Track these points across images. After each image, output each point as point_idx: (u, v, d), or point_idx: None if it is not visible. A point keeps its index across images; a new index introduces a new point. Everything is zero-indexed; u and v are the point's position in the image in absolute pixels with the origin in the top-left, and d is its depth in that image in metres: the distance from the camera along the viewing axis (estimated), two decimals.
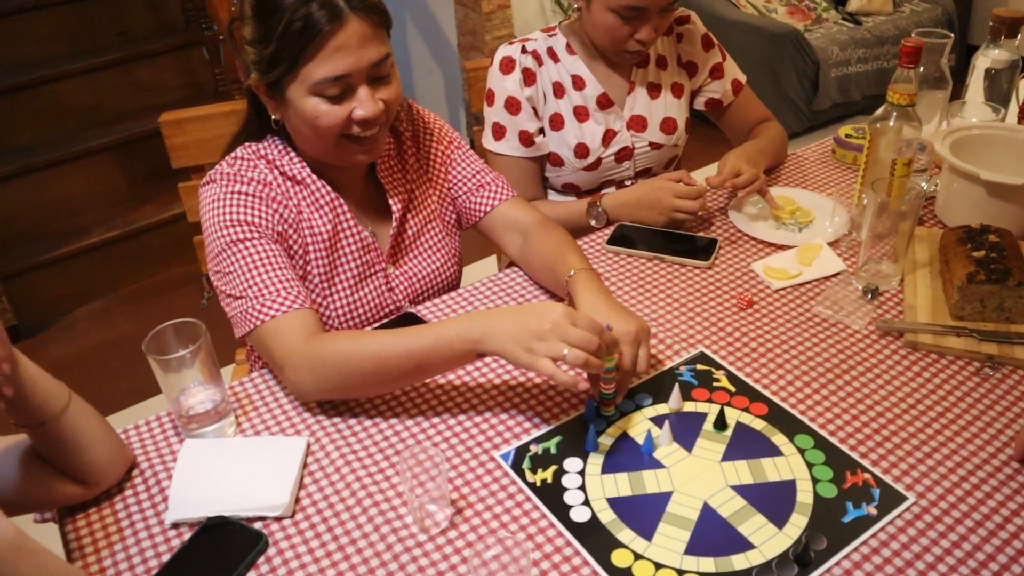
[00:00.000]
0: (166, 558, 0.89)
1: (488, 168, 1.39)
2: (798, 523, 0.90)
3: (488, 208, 1.35)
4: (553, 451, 1.01)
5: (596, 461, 0.99)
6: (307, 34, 1.04)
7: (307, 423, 1.08)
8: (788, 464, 0.98)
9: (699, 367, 1.14)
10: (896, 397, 1.07)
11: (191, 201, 1.58)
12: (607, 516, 0.92)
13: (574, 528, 0.91)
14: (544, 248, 1.27)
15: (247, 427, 1.08)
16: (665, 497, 0.94)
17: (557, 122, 1.58)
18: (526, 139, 1.57)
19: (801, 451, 0.99)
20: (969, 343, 1.13)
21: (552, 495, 0.95)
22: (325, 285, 1.23)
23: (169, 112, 1.55)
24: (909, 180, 1.30)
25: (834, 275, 1.32)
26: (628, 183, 1.66)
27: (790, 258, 1.36)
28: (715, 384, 1.11)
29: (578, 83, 1.57)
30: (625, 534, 0.89)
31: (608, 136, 1.59)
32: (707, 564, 0.86)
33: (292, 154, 1.21)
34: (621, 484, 0.96)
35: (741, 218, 1.47)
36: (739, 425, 1.04)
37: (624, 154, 1.61)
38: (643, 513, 0.92)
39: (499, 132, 1.58)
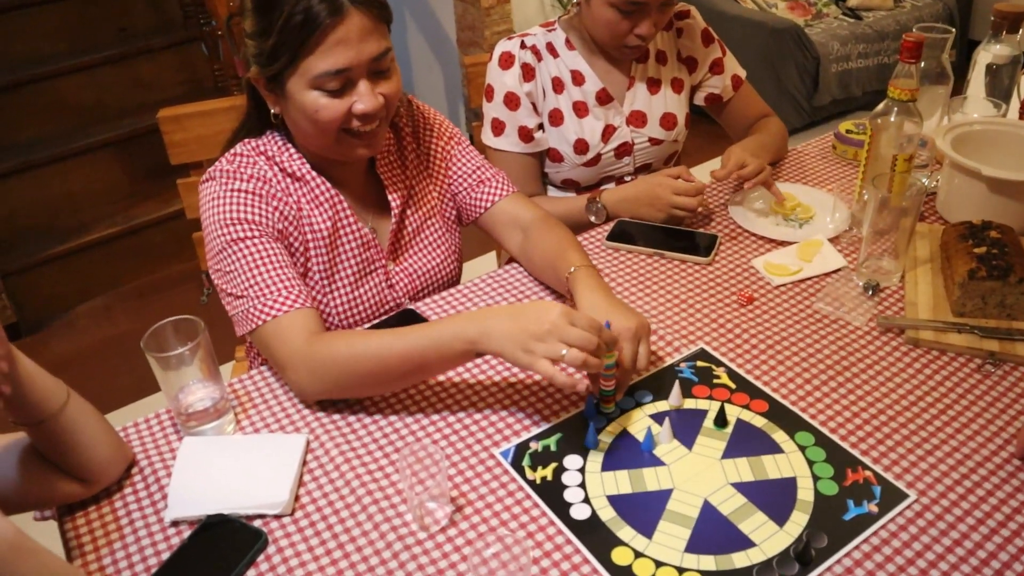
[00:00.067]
0: (166, 556, 0.89)
1: (489, 164, 1.38)
2: (799, 521, 0.90)
3: (488, 204, 1.35)
4: (553, 448, 1.01)
5: (596, 458, 0.99)
6: (307, 27, 1.04)
7: (307, 421, 1.08)
8: (789, 461, 0.97)
9: (699, 364, 1.14)
10: (897, 394, 1.07)
11: (190, 198, 1.57)
12: (607, 514, 0.92)
13: (574, 526, 0.90)
14: (545, 245, 1.27)
15: (246, 425, 1.08)
16: (665, 495, 0.94)
17: (556, 118, 1.58)
18: (525, 135, 1.57)
19: (802, 448, 0.99)
20: (970, 340, 1.13)
21: (552, 493, 0.95)
22: (325, 282, 1.23)
23: (167, 108, 1.55)
24: (910, 176, 1.29)
25: (835, 271, 1.31)
26: (628, 179, 1.65)
27: (791, 254, 1.35)
28: (715, 381, 1.10)
29: (577, 78, 1.57)
30: (625, 532, 0.89)
31: (608, 132, 1.59)
32: (707, 562, 0.86)
33: (292, 150, 1.20)
34: (621, 481, 0.96)
35: (742, 214, 1.46)
36: (740, 422, 1.03)
37: (624, 150, 1.61)
38: (643, 511, 0.92)
39: (498, 128, 1.57)
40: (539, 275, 1.31)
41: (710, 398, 1.08)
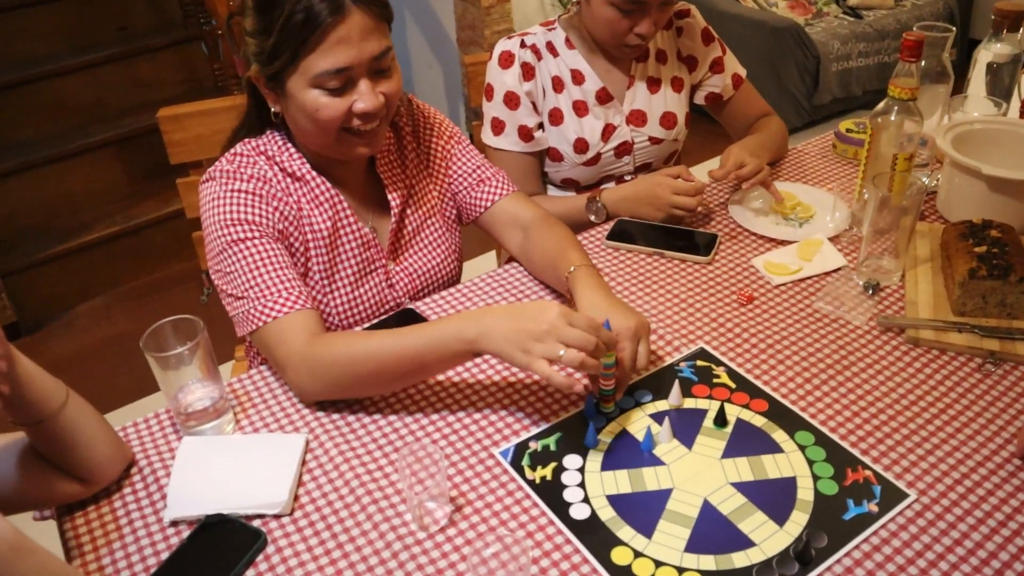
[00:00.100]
0: (165, 556, 0.89)
1: (489, 163, 1.38)
2: (799, 520, 0.90)
3: (489, 203, 1.35)
4: (553, 448, 1.01)
5: (596, 458, 0.99)
6: (308, 26, 1.04)
7: (306, 420, 1.08)
8: (789, 461, 0.97)
9: (699, 363, 1.13)
10: (897, 394, 1.07)
11: (190, 197, 1.57)
12: (607, 513, 0.92)
13: (574, 526, 0.90)
14: (545, 244, 1.27)
15: (246, 424, 1.08)
16: (665, 494, 0.94)
17: (556, 117, 1.57)
18: (525, 134, 1.57)
19: (802, 448, 0.99)
20: (971, 339, 1.13)
21: (552, 492, 0.94)
22: (326, 282, 1.23)
23: (167, 108, 1.55)
24: (910, 175, 1.29)
25: (835, 271, 1.31)
26: (628, 178, 1.65)
27: (791, 253, 1.35)
28: (715, 380, 1.10)
29: (577, 78, 1.57)
30: (625, 531, 0.89)
31: (607, 131, 1.58)
32: (707, 562, 0.86)
33: (292, 149, 1.20)
34: (621, 481, 0.96)
35: (741, 213, 1.46)
36: (739, 422, 1.03)
37: (623, 149, 1.61)
38: (643, 510, 0.92)
39: (498, 127, 1.57)
40: (539, 274, 1.31)
41: (710, 397, 1.07)
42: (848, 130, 1.68)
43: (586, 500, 0.93)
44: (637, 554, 0.87)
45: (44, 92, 2.95)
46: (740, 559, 0.86)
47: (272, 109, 1.16)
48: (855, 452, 0.98)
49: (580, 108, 1.57)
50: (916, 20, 3.90)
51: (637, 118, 1.60)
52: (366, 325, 1.26)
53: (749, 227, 1.43)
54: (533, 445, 1.01)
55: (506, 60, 1.54)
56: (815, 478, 0.95)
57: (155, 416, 1.10)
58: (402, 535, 0.91)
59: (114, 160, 3.06)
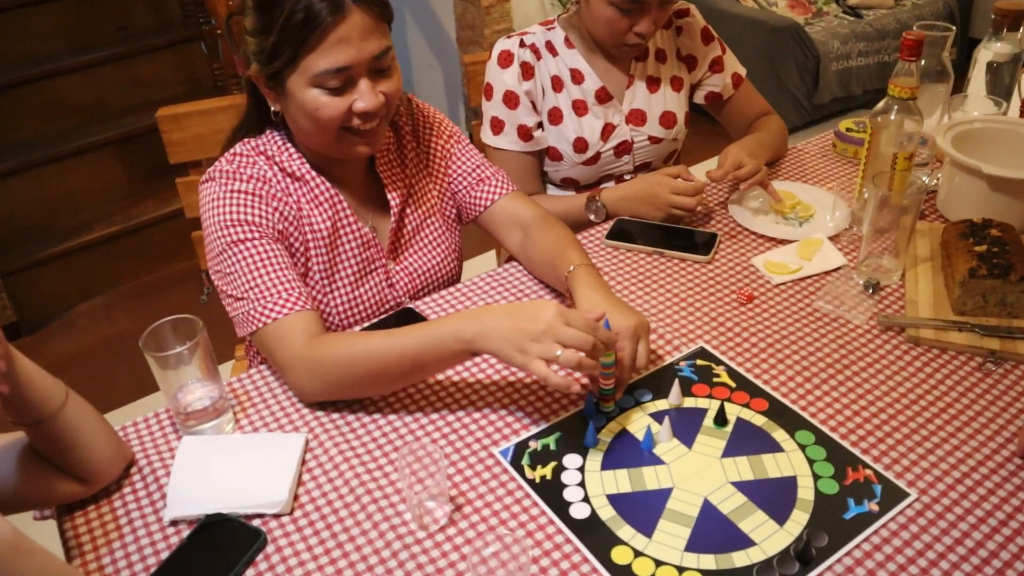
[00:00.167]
0: (165, 556, 0.89)
1: (488, 162, 1.38)
2: (799, 520, 0.89)
3: (488, 202, 1.34)
4: (552, 447, 1.01)
5: (596, 457, 0.99)
6: (308, 25, 1.04)
7: (306, 420, 1.07)
8: (789, 460, 0.97)
9: (699, 363, 1.13)
10: (898, 393, 1.07)
11: (189, 197, 1.57)
12: (607, 513, 0.91)
13: (574, 525, 0.90)
14: (544, 243, 1.26)
15: (245, 424, 1.08)
16: (665, 494, 0.94)
17: (556, 116, 1.57)
18: (524, 133, 1.56)
19: (802, 447, 0.99)
20: (971, 338, 1.13)
21: (551, 492, 0.94)
22: (326, 282, 1.23)
23: (166, 107, 1.55)
24: (910, 174, 1.29)
25: (835, 270, 1.31)
26: (627, 177, 1.65)
27: (790, 253, 1.35)
28: (715, 380, 1.10)
29: (577, 77, 1.57)
30: (625, 531, 0.89)
31: (607, 130, 1.58)
32: (707, 561, 0.86)
33: (291, 149, 1.20)
34: (621, 480, 0.96)
35: (741, 212, 1.46)
36: (739, 421, 1.03)
37: (623, 148, 1.61)
38: (643, 510, 0.92)
39: (497, 126, 1.57)
40: (538, 274, 1.31)
41: (710, 397, 1.07)
42: (848, 129, 1.68)
43: (586, 499, 0.93)
44: (637, 553, 0.87)
45: (44, 92, 2.95)
46: (740, 558, 0.86)
47: (272, 108, 1.16)
48: (855, 451, 0.98)
49: (579, 107, 1.57)
50: (916, 19, 3.90)
51: (636, 117, 1.60)
52: (366, 324, 1.26)
53: (749, 226, 1.42)
54: (533, 444, 1.01)
55: (505, 59, 1.54)
56: (815, 477, 0.95)
57: (155, 416, 1.09)
58: (402, 535, 0.91)
59: (114, 160, 3.06)
